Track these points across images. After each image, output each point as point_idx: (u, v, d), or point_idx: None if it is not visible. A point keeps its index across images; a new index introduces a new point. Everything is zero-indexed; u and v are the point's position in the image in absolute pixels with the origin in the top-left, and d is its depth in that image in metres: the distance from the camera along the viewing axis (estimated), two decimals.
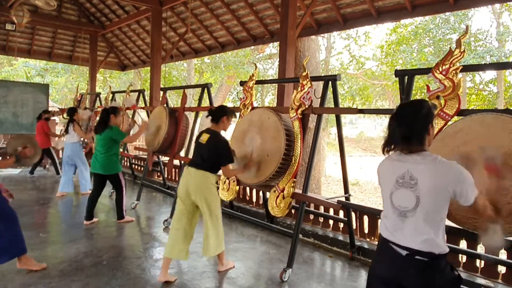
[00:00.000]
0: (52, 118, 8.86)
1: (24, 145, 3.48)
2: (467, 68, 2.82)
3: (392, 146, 1.89)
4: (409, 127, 1.81)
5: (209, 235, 3.43)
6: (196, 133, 5.36)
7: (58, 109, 10.40)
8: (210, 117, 3.54)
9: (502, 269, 3.29)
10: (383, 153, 1.92)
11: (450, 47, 2.74)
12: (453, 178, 1.73)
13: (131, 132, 5.92)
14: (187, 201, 3.44)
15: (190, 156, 4.06)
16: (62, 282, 3.22)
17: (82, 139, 6.76)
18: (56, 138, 7.87)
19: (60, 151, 8.97)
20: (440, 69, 2.74)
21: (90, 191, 6.59)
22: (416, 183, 1.76)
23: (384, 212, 1.95)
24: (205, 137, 3.45)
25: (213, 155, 3.39)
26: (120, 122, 5.06)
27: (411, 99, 3.16)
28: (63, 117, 8.95)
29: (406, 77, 3.15)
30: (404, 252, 1.79)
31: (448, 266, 1.79)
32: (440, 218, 1.78)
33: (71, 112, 6.66)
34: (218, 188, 3.65)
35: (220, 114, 3.51)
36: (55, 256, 3.81)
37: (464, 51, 2.67)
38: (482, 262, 3.36)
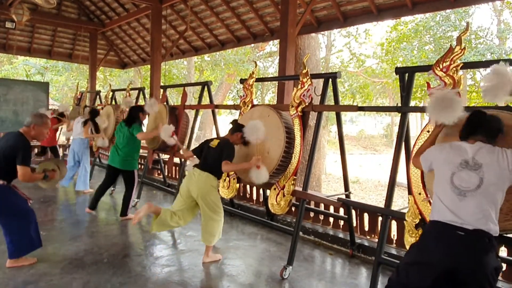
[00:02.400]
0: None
1: (54, 168, 3.71)
2: (467, 65, 2.82)
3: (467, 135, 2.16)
4: (492, 128, 2.15)
5: (205, 226, 3.62)
6: (196, 130, 5.38)
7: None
8: (230, 126, 3.86)
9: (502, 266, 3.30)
10: (460, 138, 2.19)
11: (450, 44, 2.73)
12: (509, 158, 1.96)
13: None
14: (188, 199, 3.63)
15: None
16: (63, 279, 3.23)
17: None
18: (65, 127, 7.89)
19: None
20: (441, 66, 2.73)
21: (86, 191, 6.64)
22: (481, 166, 1.97)
23: (438, 194, 2.09)
24: (215, 142, 3.67)
25: (218, 157, 3.55)
26: (144, 120, 5.29)
27: (411, 96, 3.17)
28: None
29: (407, 75, 3.14)
30: (462, 233, 1.91)
31: (496, 250, 1.94)
32: (498, 200, 1.95)
33: (94, 113, 6.61)
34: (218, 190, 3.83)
35: (236, 129, 3.78)
36: (56, 253, 3.82)
37: (464, 48, 2.67)
38: None
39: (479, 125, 2.14)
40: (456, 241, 1.90)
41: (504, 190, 1.97)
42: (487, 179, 1.93)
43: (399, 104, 3.16)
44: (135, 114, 5.10)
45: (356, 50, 18.31)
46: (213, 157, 3.60)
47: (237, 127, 3.82)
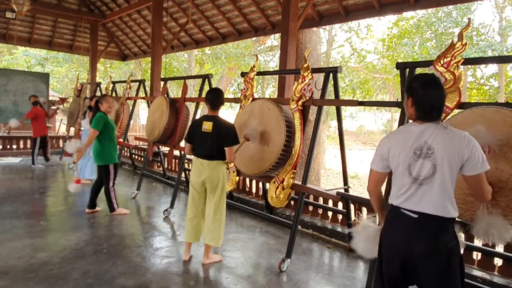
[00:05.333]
0: (53, 107, 8.91)
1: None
2: (468, 61, 2.81)
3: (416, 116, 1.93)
4: (441, 97, 1.90)
5: (209, 225, 3.48)
6: None
7: (58, 98, 10.41)
8: (209, 104, 3.50)
9: (498, 261, 3.32)
10: (413, 121, 1.97)
11: (452, 40, 2.74)
12: (466, 144, 1.81)
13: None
14: (201, 188, 3.52)
15: None
16: (63, 269, 3.25)
17: None
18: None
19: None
20: (442, 62, 2.73)
21: (86, 181, 6.63)
22: (433, 152, 1.84)
23: (396, 182, 1.99)
24: (209, 126, 3.40)
25: (219, 141, 3.38)
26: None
27: None
28: (63, 105, 8.99)
29: (408, 70, 3.14)
30: (415, 215, 1.88)
31: (454, 231, 1.87)
32: (452, 184, 1.86)
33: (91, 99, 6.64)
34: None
35: (220, 100, 3.51)
36: (56, 243, 3.84)
37: (465, 43, 2.67)
38: (479, 254, 3.39)
39: (438, 97, 1.90)
40: (410, 223, 1.89)
41: (456, 173, 1.85)
42: (440, 165, 1.83)
43: (400, 100, 3.17)
44: (96, 108, 4.91)
45: (357, 46, 18.26)
46: (214, 142, 3.36)
47: (218, 99, 3.48)
